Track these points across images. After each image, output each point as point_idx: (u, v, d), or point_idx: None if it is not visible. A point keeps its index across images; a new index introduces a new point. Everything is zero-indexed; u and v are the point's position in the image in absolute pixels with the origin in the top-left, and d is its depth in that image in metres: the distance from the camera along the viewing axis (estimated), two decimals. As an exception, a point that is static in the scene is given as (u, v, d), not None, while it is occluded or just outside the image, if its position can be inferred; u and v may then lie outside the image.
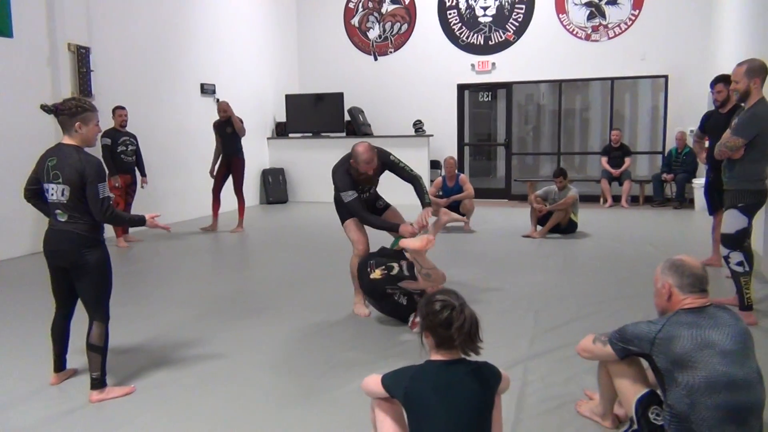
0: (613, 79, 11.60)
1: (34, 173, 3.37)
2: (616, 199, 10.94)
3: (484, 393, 2.18)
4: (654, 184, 10.89)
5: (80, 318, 3.41)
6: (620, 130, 11.33)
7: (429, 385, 2.15)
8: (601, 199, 11.13)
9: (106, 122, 7.86)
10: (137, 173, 8.08)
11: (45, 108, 3.29)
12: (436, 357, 2.20)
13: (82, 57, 7.69)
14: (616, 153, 11.12)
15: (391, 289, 4.40)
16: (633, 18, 11.27)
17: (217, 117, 8.84)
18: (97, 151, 7.38)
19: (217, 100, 10.64)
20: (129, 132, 7.89)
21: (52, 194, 3.26)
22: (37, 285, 5.36)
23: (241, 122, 8.74)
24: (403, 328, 4.43)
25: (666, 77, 11.05)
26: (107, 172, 7.55)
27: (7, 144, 6.95)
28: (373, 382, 2.33)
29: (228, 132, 8.66)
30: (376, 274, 4.44)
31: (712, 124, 5.55)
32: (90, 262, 3.26)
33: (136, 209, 8.09)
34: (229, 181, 8.87)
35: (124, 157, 7.80)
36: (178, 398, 3.35)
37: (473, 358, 2.21)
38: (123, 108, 7.84)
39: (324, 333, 4.40)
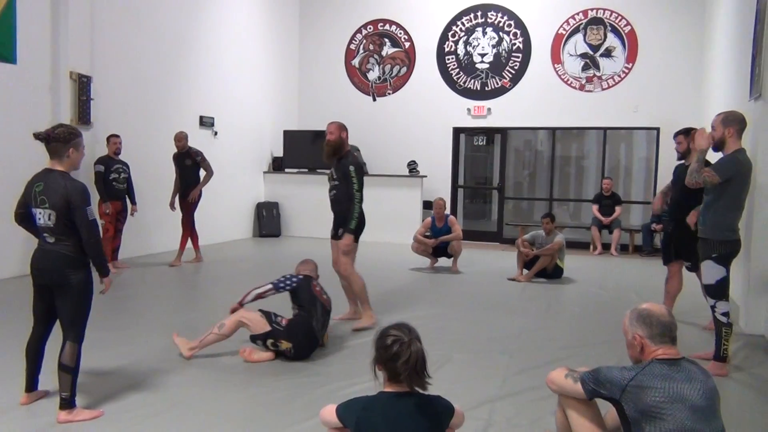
0: (606, 129, 11.80)
1: (23, 197, 3.47)
2: (606, 247, 11.02)
3: (433, 426, 2.23)
4: (644, 234, 10.98)
5: (56, 340, 3.45)
6: (612, 179, 11.47)
7: (379, 416, 2.21)
8: (591, 247, 11.20)
9: (102, 149, 8.02)
10: (128, 201, 8.17)
11: (38, 136, 3.40)
12: (389, 389, 2.26)
13: (83, 85, 7.86)
14: (607, 201, 11.24)
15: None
16: (626, 71, 11.53)
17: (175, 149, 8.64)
18: (90, 178, 7.53)
19: (215, 133, 10.84)
20: (122, 160, 8.01)
21: (40, 218, 3.36)
22: (19, 307, 5.40)
23: (203, 161, 8.60)
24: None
25: (658, 129, 11.25)
26: (98, 198, 7.67)
27: (2, 168, 7.06)
28: (328, 412, 2.38)
29: (187, 164, 8.54)
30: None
31: (677, 175, 5.60)
32: (73, 282, 3.34)
33: (125, 236, 8.20)
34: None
35: (115, 185, 7.90)
36: (145, 424, 3.38)
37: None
38: (117, 136, 7.99)
39: (296, 366, 4.43)
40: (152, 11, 9.30)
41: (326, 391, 3.90)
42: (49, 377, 3.63)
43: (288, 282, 4.64)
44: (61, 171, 3.40)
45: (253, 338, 4.51)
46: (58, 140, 3.36)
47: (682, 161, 5.59)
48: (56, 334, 3.47)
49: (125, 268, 8.07)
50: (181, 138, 8.50)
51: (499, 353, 4.83)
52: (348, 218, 5.34)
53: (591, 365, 2.80)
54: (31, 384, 3.59)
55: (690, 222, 5.30)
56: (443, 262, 8.86)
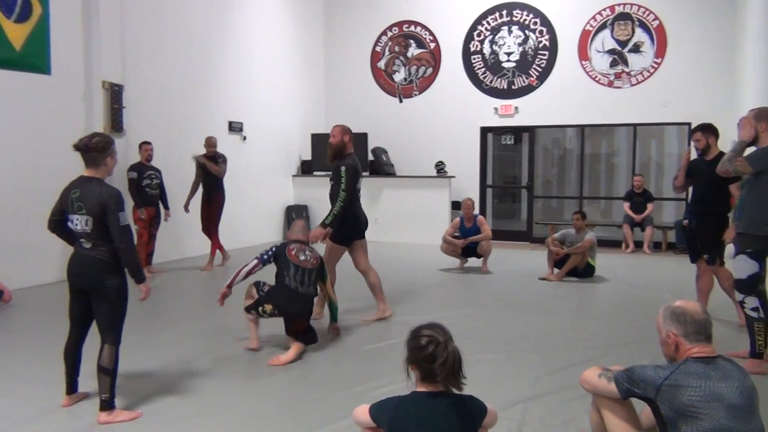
0: (636, 126, 11.65)
1: (59, 204, 3.55)
2: (639, 245, 10.88)
3: (466, 426, 2.23)
4: (677, 231, 10.81)
5: (95, 343, 3.54)
6: (643, 176, 11.32)
7: (412, 415, 2.22)
8: (623, 245, 11.07)
9: (134, 156, 8.18)
10: (161, 206, 8.31)
11: (77, 146, 3.48)
12: (421, 388, 2.27)
13: (115, 94, 8.03)
14: (639, 198, 11.09)
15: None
16: (656, 66, 11.37)
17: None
18: (123, 184, 7.69)
19: (244, 138, 10.96)
20: (154, 166, 8.16)
21: (77, 224, 3.44)
22: (57, 311, 5.53)
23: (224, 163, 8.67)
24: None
25: (689, 124, 11.05)
26: (132, 204, 7.83)
27: (39, 176, 7.23)
28: (362, 412, 2.40)
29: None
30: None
31: (696, 171, 5.52)
32: (109, 287, 3.43)
33: (159, 241, 8.33)
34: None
35: (148, 191, 8.04)
36: (181, 425, 3.44)
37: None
38: (149, 143, 8.14)
39: (327, 367, 4.47)
40: (180, 20, 9.45)
41: (358, 391, 3.93)
42: (88, 380, 3.72)
43: (269, 252, 4.89)
44: (97, 178, 3.49)
45: (247, 309, 4.80)
46: (96, 149, 3.45)
47: (701, 157, 5.52)
48: (93, 337, 3.55)
49: (159, 272, 8.21)
50: (213, 143, 8.64)
51: (530, 353, 4.81)
52: (328, 214, 5.39)
53: (624, 364, 2.77)
54: (72, 386, 3.68)
55: (727, 237, 5.21)
56: (473, 262, 8.84)
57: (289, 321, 4.77)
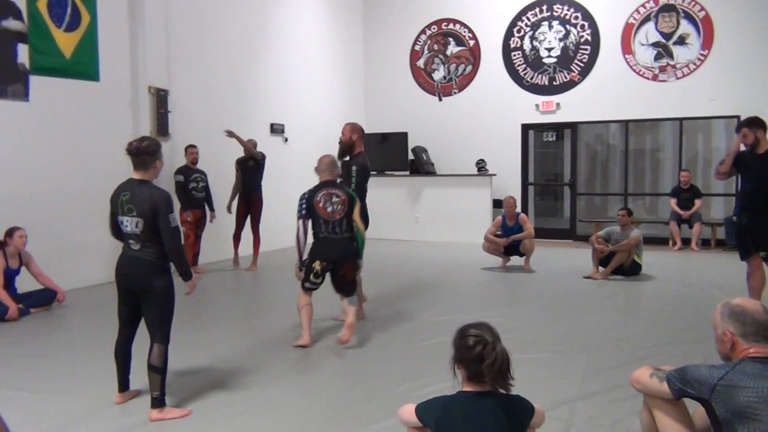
0: (682, 120, 11.38)
1: (111, 208, 3.63)
2: (686, 242, 10.62)
3: (513, 426, 2.22)
4: (726, 227, 10.52)
5: (146, 342, 3.62)
6: (690, 171, 11.05)
7: (459, 415, 2.21)
8: (670, 242, 10.82)
9: (180, 160, 8.35)
10: (206, 208, 8.46)
11: (129, 150, 3.57)
12: (468, 388, 2.26)
13: (161, 99, 8.21)
14: (686, 194, 10.83)
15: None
16: (702, 58, 11.08)
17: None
18: (170, 187, 7.85)
19: (286, 139, 11.08)
20: (199, 169, 8.32)
21: (127, 226, 3.54)
22: (109, 311, 5.69)
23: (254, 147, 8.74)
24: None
25: (738, 117, 10.73)
26: (179, 206, 8.00)
27: (90, 179, 7.45)
28: (408, 411, 2.41)
29: (250, 165, 8.68)
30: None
31: (746, 165, 5.34)
32: (157, 287, 3.51)
33: (204, 243, 8.49)
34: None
35: (194, 193, 8.20)
36: (230, 422, 3.50)
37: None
38: (194, 146, 8.30)
39: (372, 365, 4.49)
40: (221, 24, 9.60)
41: (404, 390, 3.93)
42: (140, 377, 3.82)
43: (303, 208, 5.04)
44: (146, 180, 3.58)
45: (303, 284, 5.03)
46: (147, 153, 3.54)
47: (752, 151, 5.33)
48: (143, 336, 3.64)
49: (204, 273, 8.36)
50: (252, 145, 8.74)
51: (576, 352, 4.75)
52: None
53: (674, 364, 2.71)
54: (123, 384, 3.78)
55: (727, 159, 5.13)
56: (515, 261, 8.76)
57: (335, 272, 4.97)
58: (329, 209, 4.96)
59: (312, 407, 3.73)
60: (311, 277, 4.97)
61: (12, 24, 6.73)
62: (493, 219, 10.23)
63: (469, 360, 2.21)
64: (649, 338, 5.13)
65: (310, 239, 5.05)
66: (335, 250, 4.96)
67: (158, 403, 3.52)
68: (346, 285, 5.03)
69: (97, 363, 4.44)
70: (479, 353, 2.19)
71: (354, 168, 5.58)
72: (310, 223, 5.04)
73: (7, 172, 6.67)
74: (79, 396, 3.88)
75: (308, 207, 5.00)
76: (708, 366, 2.45)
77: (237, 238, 8.86)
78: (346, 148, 5.75)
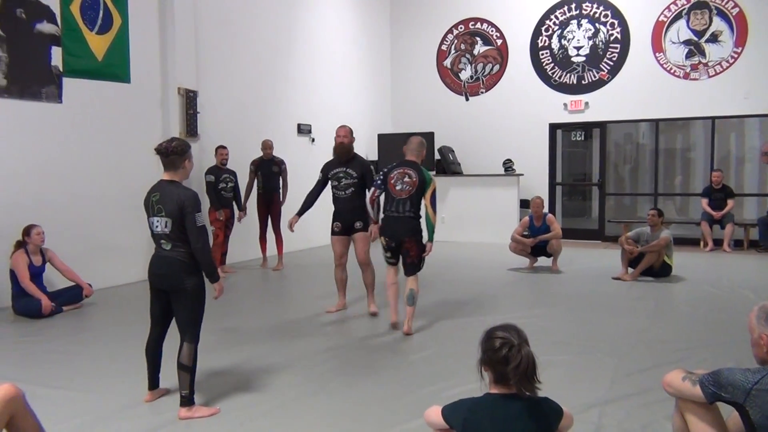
0: (714, 119, 11.18)
1: (147, 211, 3.66)
2: (718, 243, 10.42)
3: (541, 429, 2.20)
4: (760, 228, 10.30)
5: (175, 341, 3.66)
6: (722, 171, 10.84)
7: (487, 418, 2.20)
8: (701, 243, 10.63)
9: (209, 160, 8.44)
10: (235, 207, 8.54)
11: (159, 150, 3.62)
12: (495, 390, 2.25)
13: (190, 100, 8.31)
14: (718, 195, 10.63)
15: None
16: (735, 55, 10.86)
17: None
18: (201, 187, 7.95)
19: (313, 139, 11.12)
20: (229, 169, 8.41)
21: (157, 226, 3.58)
22: (140, 310, 5.78)
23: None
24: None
25: (773, 116, 10.53)
26: (210, 205, 8.10)
27: (120, 179, 7.57)
28: (434, 413, 2.40)
29: (274, 171, 8.76)
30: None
31: None
32: (188, 287, 3.55)
33: (233, 242, 8.57)
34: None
35: (224, 193, 8.29)
36: (258, 421, 3.53)
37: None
38: (224, 147, 8.38)
39: (398, 366, 4.49)
40: (249, 25, 9.68)
41: (430, 391, 3.92)
42: (169, 376, 3.87)
43: (380, 178, 5.40)
44: (175, 181, 3.62)
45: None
46: (176, 153, 3.58)
47: None
48: (174, 335, 3.68)
49: (232, 272, 8.44)
50: (270, 146, 8.79)
51: (605, 355, 4.68)
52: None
53: (707, 368, 2.66)
54: (153, 382, 3.83)
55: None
56: (543, 261, 8.69)
57: (399, 248, 5.26)
58: (398, 187, 5.23)
59: (337, 408, 3.74)
60: (384, 251, 5.41)
61: (46, 27, 6.86)
62: (520, 219, 10.15)
63: (494, 362, 2.20)
64: (680, 341, 5.05)
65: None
66: (396, 227, 5.24)
67: (187, 401, 3.56)
68: (409, 263, 5.28)
69: (127, 361, 4.51)
70: (505, 356, 2.17)
71: (372, 168, 6.01)
72: (382, 198, 5.40)
73: (40, 173, 6.80)
74: (110, 393, 3.94)
75: (383, 181, 5.33)
76: (743, 370, 2.40)
77: (263, 239, 8.97)
78: (348, 149, 5.98)
